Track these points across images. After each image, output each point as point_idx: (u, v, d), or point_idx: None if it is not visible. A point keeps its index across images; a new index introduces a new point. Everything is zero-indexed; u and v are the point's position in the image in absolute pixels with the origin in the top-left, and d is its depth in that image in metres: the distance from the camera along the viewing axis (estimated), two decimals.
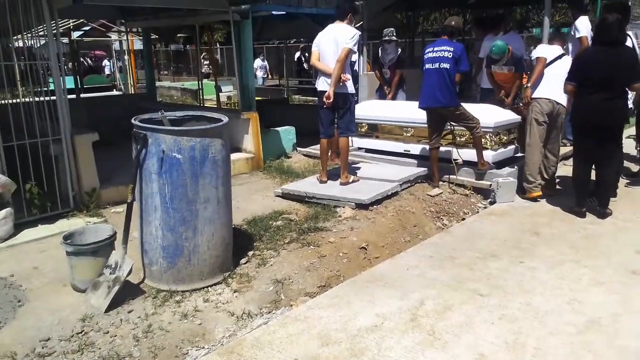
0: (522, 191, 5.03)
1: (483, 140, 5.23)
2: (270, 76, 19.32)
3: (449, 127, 5.44)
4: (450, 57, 4.96)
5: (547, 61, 4.93)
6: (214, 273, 3.34)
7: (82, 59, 18.52)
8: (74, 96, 8.37)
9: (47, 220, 4.32)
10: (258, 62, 18.64)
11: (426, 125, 5.40)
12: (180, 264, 3.23)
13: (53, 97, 4.57)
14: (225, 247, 3.42)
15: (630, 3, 8.58)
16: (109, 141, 5.30)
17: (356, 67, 7.23)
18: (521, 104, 5.34)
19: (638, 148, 5.93)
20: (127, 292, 3.11)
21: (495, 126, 5.31)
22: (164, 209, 3.17)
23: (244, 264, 3.60)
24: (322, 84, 4.86)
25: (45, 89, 4.57)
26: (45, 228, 4.21)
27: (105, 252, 3.19)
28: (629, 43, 4.94)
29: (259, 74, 18.53)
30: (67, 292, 3.21)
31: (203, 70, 18.54)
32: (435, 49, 5.09)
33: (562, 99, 4.85)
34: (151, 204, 3.20)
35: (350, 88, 4.88)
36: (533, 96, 4.90)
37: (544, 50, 5.07)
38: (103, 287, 3.07)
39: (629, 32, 5.42)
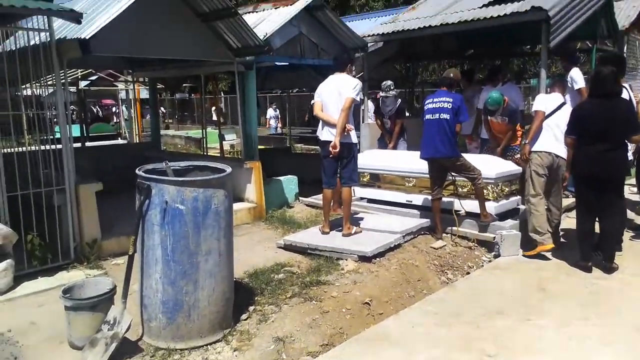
0: (527, 246, 4.89)
1: (485, 191, 5.22)
2: (281, 125, 19.64)
3: (450, 177, 5.45)
4: (449, 107, 5.03)
5: (547, 113, 4.93)
6: (214, 330, 3.26)
7: (91, 107, 18.94)
8: (79, 145, 8.45)
9: (47, 272, 4.27)
10: (271, 112, 19.12)
11: (428, 176, 5.43)
12: (179, 319, 3.15)
13: (59, 146, 4.62)
14: (225, 302, 3.35)
15: (625, 55, 8.84)
16: (112, 190, 5.31)
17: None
18: (516, 156, 5.37)
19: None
20: (124, 350, 3.03)
21: (496, 177, 5.33)
22: (165, 262, 3.13)
23: (245, 320, 3.52)
24: (327, 134, 4.92)
25: (52, 137, 4.63)
26: (45, 280, 4.15)
27: (104, 307, 3.13)
28: (625, 95, 5.02)
29: (272, 123, 18.94)
30: (63, 349, 3.12)
31: (214, 119, 18.91)
32: (435, 100, 5.16)
33: (562, 152, 4.83)
34: (152, 257, 3.16)
35: (354, 138, 4.94)
36: (533, 149, 4.87)
37: (543, 102, 5.02)
38: (100, 344, 2.99)
39: (625, 84, 5.54)
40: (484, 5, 6.68)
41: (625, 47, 9.26)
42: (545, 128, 4.89)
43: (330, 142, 4.80)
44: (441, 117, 5.05)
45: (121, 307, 3.10)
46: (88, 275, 4.19)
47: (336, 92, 4.87)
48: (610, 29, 7.85)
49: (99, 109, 19.96)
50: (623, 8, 9.73)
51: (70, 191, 4.56)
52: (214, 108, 18.64)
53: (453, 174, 5.37)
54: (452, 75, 5.35)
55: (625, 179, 4.69)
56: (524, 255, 4.85)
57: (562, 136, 4.75)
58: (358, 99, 4.94)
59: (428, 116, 5.16)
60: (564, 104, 5.02)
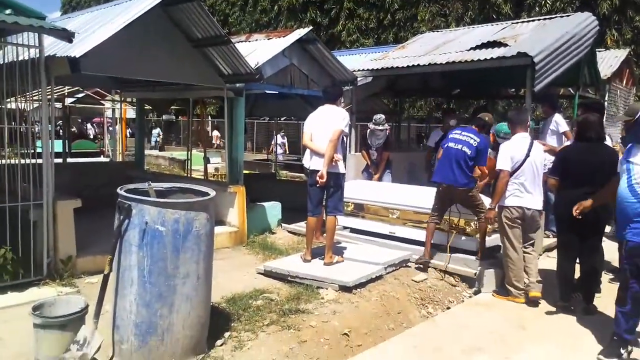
0: (502, 289, 4.82)
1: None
2: (287, 152, 19.51)
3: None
4: (474, 145, 5.06)
5: (515, 166, 4.63)
6: (187, 355, 3.17)
7: (85, 125, 18.77)
8: (60, 160, 8.34)
9: (18, 288, 4.14)
10: (278, 139, 19.18)
11: (412, 209, 5.44)
12: (152, 343, 3.06)
13: (39, 161, 4.54)
14: (201, 326, 3.27)
15: (606, 103, 9.13)
16: (92, 207, 5.21)
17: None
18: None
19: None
20: None
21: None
22: (140, 283, 3.06)
23: (220, 345, 3.42)
24: (315, 163, 4.92)
25: (33, 151, 4.55)
26: (14, 296, 4.03)
27: (75, 326, 3.02)
28: (607, 141, 5.13)
29: (279, 149, 18.96)
30: None
31: (213, 142, 18.78)
32: (463, 133, 5.20)
33: (531, 203, 4.62)
34: (128, 277, 3.09)
35: (342, 168, 4.96)
36: (506, 204, 4.66)
37: (508, 156, 4.65)
38: None
39: (606, 132, 5.67)
40: (471, 48, 6.86)
41: (607, 95, 9.57)
42: (510, 182, 4.65)
43: (318, 171, 4.81)
44: (463, 149, 5.08)
45: (92, 327, 3.01)
46: (60, 293, 4.07)
47: (326, 123, 4.91)
48: (593, 77, 8.10)
49: (91, 127, 19.81)
50: (606, 58, 10.11)
51: (48, 207, 4.47)
52: (215, 132, 18.46)
53: (458, 206, 5.30)
54: (487, 118, 5.39)
55: (606, 223, 4.72)
56: (493, 295, 4.81)
57: (532, 184, 4.59)
58: (346, 130, 5.00)
59: (451, 144, 5.17)
60: (531, 145, 4.70)
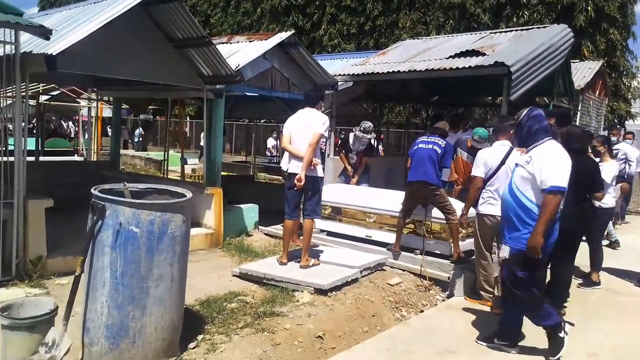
0: (475, 296, 4.88)
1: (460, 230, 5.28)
2: (279, 155, 19.41)
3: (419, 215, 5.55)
4: (442, 145, 5.44)
5: (491, 172, 4.57)
6: (159, 358, 3.14)
7: (69, 123, 18.36)
8: (32, 158, 8.16)
9: None
10: (271, 142, 19.07)
11: (388, 213, 5.59)
12: (123, 345, 3.03)
13: (11, 158, 4.44)
14: (173, 329, 3.25)
15: (579, 112, 9.38)
16: (64, 207, 5.11)
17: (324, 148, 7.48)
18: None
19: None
20: None
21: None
22: (113, 285, 3.02)
23: (192, 348, 3.40)
24: (293, 167, 4.93)
25: (4, 148, 4.45)
26: None
27: (43, 328, 2.97)
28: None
29: (273, 151, 18.91)
30: None
31: (201, 144, 18.46)
32: (430, 138, 5.59)
33: None
34: (100, 279, 3.04)
35: (320, 172, 4.98)
36: (480, 211, 4.65)
37: (482, 162, 4.60)
38: None
39: None
40: (450, 57, 6.97)
41: (580, 105, 9.83)
42: (486, 189, 4.60)
43: (296, 174, 4.82)
44: (433, 147, 5.39)
45: (61, 329, 2.96)
46: (29, 294, 3.98)
47: (305, 127, 4.92)
48: (567, 87, 8.32)
49: (72, 125, 19.42)
50: (579, 69, 10.41)
51: (18, 206, 4.37)
52: (203, 134, 18.26)
53: (429, 206, 5.46)
54: (446, 129, 5.86)
55: (581, 235, 4.78)
56: (465, 299, 4.90)
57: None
58: (326, 134, 5.04)
59: (421, 145, 5.48)
60: (509, 152, 4.58)
